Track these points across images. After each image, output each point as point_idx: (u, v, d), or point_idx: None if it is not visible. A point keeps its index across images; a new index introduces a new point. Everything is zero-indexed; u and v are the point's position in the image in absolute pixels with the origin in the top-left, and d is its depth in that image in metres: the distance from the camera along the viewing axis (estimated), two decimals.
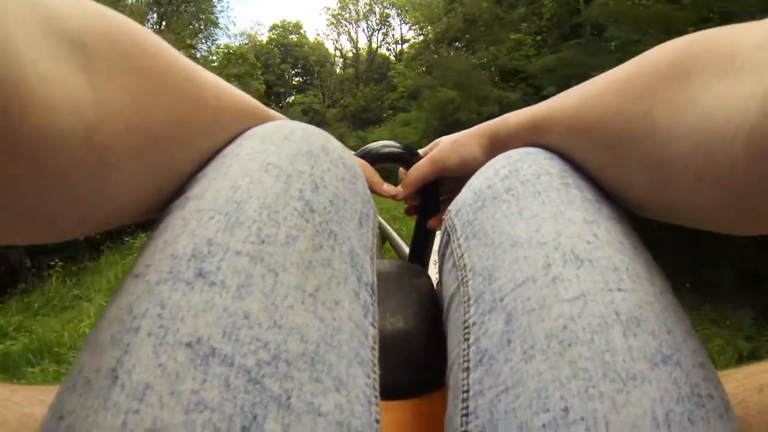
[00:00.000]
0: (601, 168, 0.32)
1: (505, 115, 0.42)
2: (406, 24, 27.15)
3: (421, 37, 24.00)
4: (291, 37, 33.94)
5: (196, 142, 0.29)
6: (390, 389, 0.36)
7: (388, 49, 29.10)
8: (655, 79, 0.27)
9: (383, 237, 2.12)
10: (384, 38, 29.14)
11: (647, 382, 0.23)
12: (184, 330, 0.21)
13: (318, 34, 36.90)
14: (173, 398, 0.19)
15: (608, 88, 0.30)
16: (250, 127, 0.33)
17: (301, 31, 34.36)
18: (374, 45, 29.26)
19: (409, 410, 0.40)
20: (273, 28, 34.14)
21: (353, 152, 0.52)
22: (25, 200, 0.20)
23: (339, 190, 0.31)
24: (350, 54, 31.85)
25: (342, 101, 28.88)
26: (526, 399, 0.24)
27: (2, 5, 0.17)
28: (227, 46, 20.72)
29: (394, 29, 28.94)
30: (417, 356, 0.41)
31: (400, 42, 28.15)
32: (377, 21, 29.00)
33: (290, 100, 32.67)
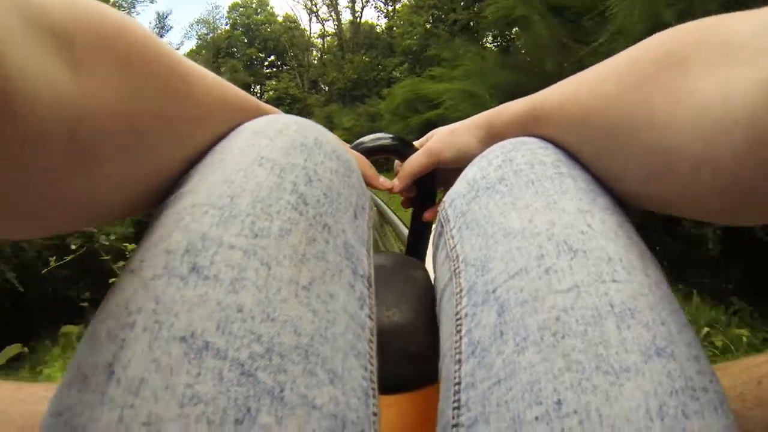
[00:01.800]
0: (598, 157, 0.33)
1: (501, 106, 0.43)
2: None
3: None
4: (256, 16, 26.60)
5: (185, 136, 0.30)
6: (387, 383, 0.37)
7: (377, 9, 22.22)
8: (652, 67, 0.28)
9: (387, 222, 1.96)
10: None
11: (641, 374, 0.23)
12: (178, 324, 0.22)
13: None
14: (167, 392, 0.20)
15: (606, 76, 0.31)
16: (242, 122, 0.35)
17: (267, 7, 27.20)
18: (357, 6, 22.12)
19: (408, 404, 0.41)
20: (233, 8, 32.31)
21: (348, 145, 0.53)
22: (8, 196, 0.20)
23: (333, 183, 0.32)
24: (327, 17, 24.73)
25: (325, 79, 21.82)
26: (519, 391, 0.25)
27: None
28: None
29: None
30: (414, 349, 0.43)
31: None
32: None
33: (257, 90, 25.44)
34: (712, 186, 0.25)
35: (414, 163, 0.53)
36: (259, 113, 0.38)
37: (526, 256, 0.29)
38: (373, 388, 0.27)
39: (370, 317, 0.30)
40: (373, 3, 25.91)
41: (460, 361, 0.30)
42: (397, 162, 0.57)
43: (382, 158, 0.57)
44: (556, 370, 0.25)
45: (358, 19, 26.29)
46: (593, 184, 0.33)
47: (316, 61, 29.55)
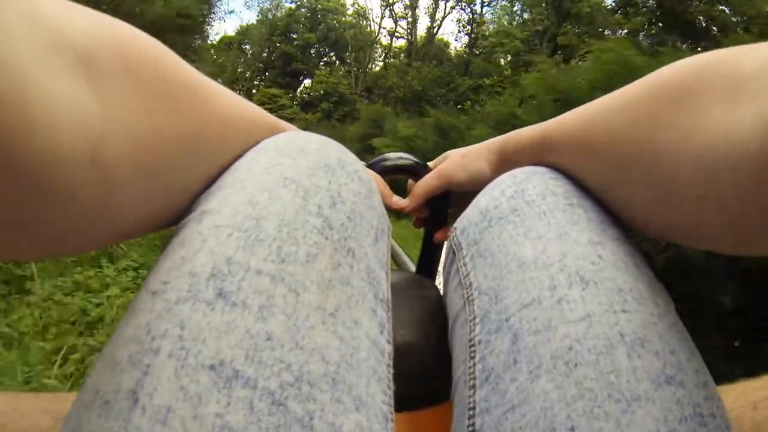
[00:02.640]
0: (606, 188, 0.36)
1: (515, 131, 0.46)
2: None
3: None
4: (325, 2, 29.25)
5: (204, 156, 0.32)
6: (401, 401, 0.39)
7: (458, 22, 19.92)
8: (659, 103, 0.30)
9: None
10: (452, 9, 19.32)
11: (651, 402, 0.25)
12: (206, 352, 0.22)
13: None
14: (196, 422, 0.21)
15: (615, 111, 0.33)
16: (260, 139, 0.36)
17: None
18: (438, 15, 19.51)
19: (418, 422, 0.43)
20: None
21: (364, 163, 0.56)
22: (27, 220, 0.21)
23: (356, 206, 0.34)
24: (403, 14, 22.03)
25: (383, 83, 23.22)
26: (533, 418, 0.27)
27: (5, 23, 0.18)
28: None
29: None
30: (427, 368, 0.45)
31: (478, 19, 18.19)
32: None
33: (307, 84, 22.59)
34: (716, 220, 0.27)
35: (425, 184, 0.55)
36: (276, 130, 0.39)
37: (539, 286, 0.31)
38: (391, 412, 0.29)
39: (388, 341, 0.32)
40: (457, 15, 23.08)
41: (474, 386, 0.32)
42: (410, 182, 0.59)
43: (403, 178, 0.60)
44: (569, 398, 0.26)
45: (435, 29, 23.51)
46: (603, 215, 0.35)
47: (377, 68, 26.66)
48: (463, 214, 0.43)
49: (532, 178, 0.38)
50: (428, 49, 23.50)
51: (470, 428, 0.30)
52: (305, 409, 0.23)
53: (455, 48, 24.61)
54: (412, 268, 0.69)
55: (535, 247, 0.33)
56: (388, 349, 0.31)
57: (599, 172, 0.35)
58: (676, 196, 0.28)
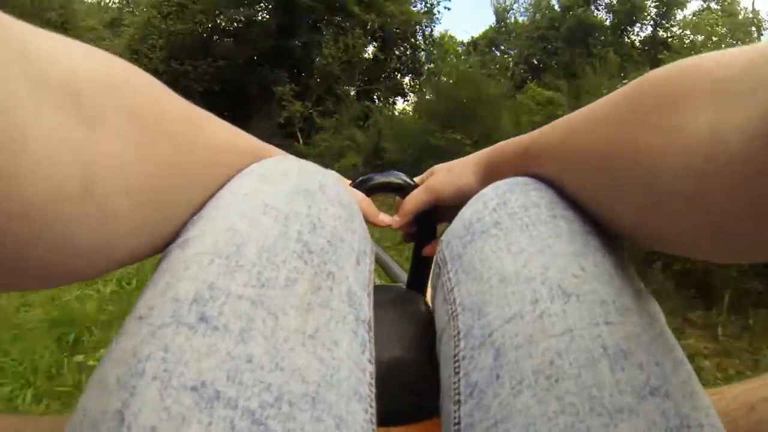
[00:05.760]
0: (591, 197, 0.37)
1: (500, 143, 0.48)
2: None
3: None
4: None
5: (194, 185, 0.34)
6: (389, 416, 0.42)
7: None
8: (640, 109, 0.31)
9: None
10: None
11: (635, 415, 0.27)
12: (188, 374, 0.24)
13: None
14: None
15: (594, 120, 0.35)
16: (249, 164, 0.40)
17: None
18: None
19: None
20: None
21: (349, 182, 0.62)
22: (23, 257, 0.22)
23: (336, 230, 0.37)
24: None
25: None
26: None
27: None
28: None
29: None
30: (415, 383, 0.48)
31: None
32: None
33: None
34: (703, 223, 0.28)
35: (414, 199, 0.59)
36: (264, 155, 0.42)
37: (521, 300, 0.33)
38: (373, 429, 0.31)
39: (370, 361, 0.34)
40: None
41: (459, 402, 0.34)
42: (397, 198, 0.62)
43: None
44: (550, 413, 0.28)
45: None
46: (588, 225, 0.37)
47: None
48: (448, 228, 0.46)
49: (515, 189, 0.41)
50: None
51: None
52: (285, 428, 0.25)
53: None
54: (404, 277, 0.71)
55: (517, 261, 0.35)
56: (370, 368, 0.33)
57: (582, 181, 0.37)
58: (661, 202, 0.29)
